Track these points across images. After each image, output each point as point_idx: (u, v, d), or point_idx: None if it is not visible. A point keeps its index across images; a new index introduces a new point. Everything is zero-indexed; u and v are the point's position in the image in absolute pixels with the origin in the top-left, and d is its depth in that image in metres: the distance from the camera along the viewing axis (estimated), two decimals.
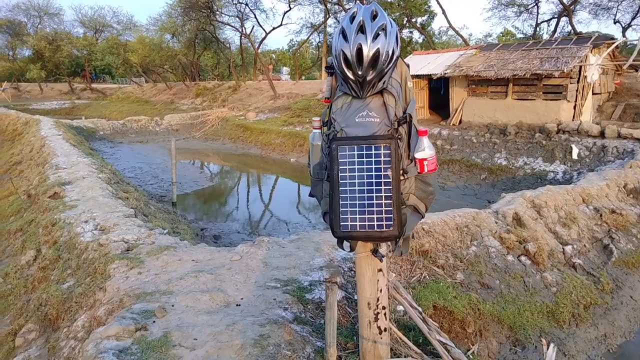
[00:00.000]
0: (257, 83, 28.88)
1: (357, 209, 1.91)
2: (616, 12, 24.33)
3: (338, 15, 29.23)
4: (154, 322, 2.72)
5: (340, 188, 1.91)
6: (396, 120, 1.90)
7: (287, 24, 50.85)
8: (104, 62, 39.83)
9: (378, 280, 2.36)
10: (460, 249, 4.99)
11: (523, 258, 5.31)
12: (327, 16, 28.45)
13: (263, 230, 9.52)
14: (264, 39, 28.77)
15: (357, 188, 1.91)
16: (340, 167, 1.91)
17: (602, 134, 11.50)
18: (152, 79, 38.47)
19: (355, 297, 3.24)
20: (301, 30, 32.23)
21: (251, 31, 28.45)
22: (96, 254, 4.01)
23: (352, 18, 1.90)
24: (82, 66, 42.12)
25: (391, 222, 1.88)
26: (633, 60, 11.71)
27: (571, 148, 11.50)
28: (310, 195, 2.25)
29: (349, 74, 1.88)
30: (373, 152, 1.88)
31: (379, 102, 1.93)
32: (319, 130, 2.12)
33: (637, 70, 14.33)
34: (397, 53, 1.89)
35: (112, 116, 26.88)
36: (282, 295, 3.06)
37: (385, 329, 2.44)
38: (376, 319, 2.41)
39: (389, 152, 1.86)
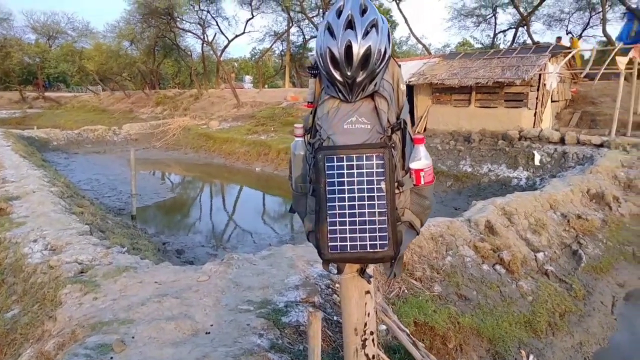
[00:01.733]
0: (219, 91, 28.35)
1: (348, 227, 1.68)
2: (568, 23, 25.49)
3: (301, 23, 29.22)
4: (111, 358, 2.39)
5: (328, 204, 1.68)
6: (389, 126, 1.70)
7: (249, 31, 50.45)
8: (58, 69, 38.17)
9: (366, 304, 2.13)
10: (436, 259, 4.86)
11: (498, 267, 5.23)
12: (291, 25, 28.31)
13: (228, 243, 9.18)
14: (226, 46, 28.33)
15: (347, 203, 1.68)
16: (328, 180, 1.68)
17: (562, 141, 11.79)
18: (109, 87, 37.18)
19: (335, 318, 3.02)
20: (264, 39, 31.99)
21: (213, 39, 27.96)
22: (46, 278, 3.60)
23: (339, 12, 1.68)
24: (35, 74, 40.22)
25: (386, 242, 1.66)
26: (589, 70, 12.09)
27: (533, 154, 11.73)
28: (292, 211, 2.01)
29: (337, 75, 1.66)
30: (364, 162, 1.66)
31: (369, 107, 1.72)
32: (301, 139, 1.88)
33: (592, 79, 14.85)
34: (389, 52, 1.70)
35: (67, 126, 25.69)
36: (256, 319, 2.79)
37: (373, 357, 2.22)
38: (364, 346, 2.18)
39: (382, 162, 1.65)
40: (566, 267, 5.99)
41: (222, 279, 3.36)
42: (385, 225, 1.65)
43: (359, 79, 1.65)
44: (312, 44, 31.95)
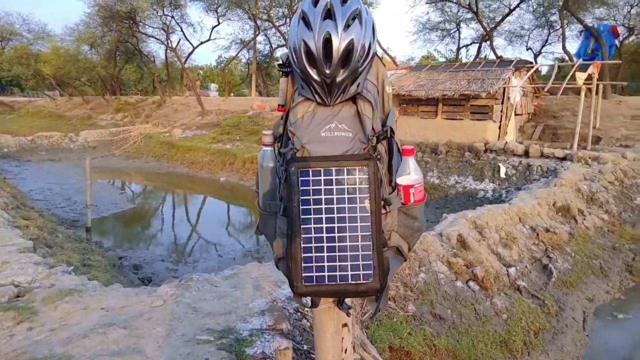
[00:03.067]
0: (183, 99, 27.67)
1: (325, 254, 1.40)
2: (528, 40, 26.32)
3: (268, 32, 28.98)
4: None
5: (302, 226, 1.40)
6: (374, 135, 1.44)
7: (215, 38, 49.75)
8: (11, 73, 36.42)
9: (343, 338, 1.86)
10: (409, 276, 4.64)
11: (472, 283, 5.06)
12: (257, 32, 28.01)
13: (190, 257, 8.76)
14: (191, 53, 27.71)
15: (324, 226, 1.40)
16: (302, 198, 1.40)
17: (526, 153, 11.96)
18: (67, 92, 35.75)
19: (306, 347, 2.73)
20: (230, 46, 31.52)
21: (177, 45, 27.28)
22: None
23: (316, 0, 1.43)
24: None
25: (370, 271, 1.39)
26: (551, 84, 12.35)
27: (499, 167, 11.83)
28: (258, 232, 1.71)
29: (313, 74, 1.39)
30: (345, 177, 1.40)
31: (351, 112, 1.46)
32: (270, 148, 1.59)
33: (552, 94, 15.24)
34: (373, 48, 1.45)
35: (21, 132, 24.43)
36: (216, 352, 2.45)
37: None
38: None
39: (366, 176, 1.39)
40: (537, 282, 5.90)
41: (179, 304, 3.00)
42: (370, 252, 1.39)
43: (339, 79, 1.38)
44: (279, 53, 31.70)
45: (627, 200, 9.23)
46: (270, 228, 1.60)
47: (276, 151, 1.59)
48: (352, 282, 1.39)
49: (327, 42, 1.35)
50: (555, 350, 4.78)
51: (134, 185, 16.05)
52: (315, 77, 1.39)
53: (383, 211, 1.44)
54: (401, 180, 1.47)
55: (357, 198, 1.39)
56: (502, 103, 13.25)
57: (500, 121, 13.31)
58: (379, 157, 1.42)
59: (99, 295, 3.17)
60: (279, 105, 1.60)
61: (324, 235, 1.40)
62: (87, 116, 29.07)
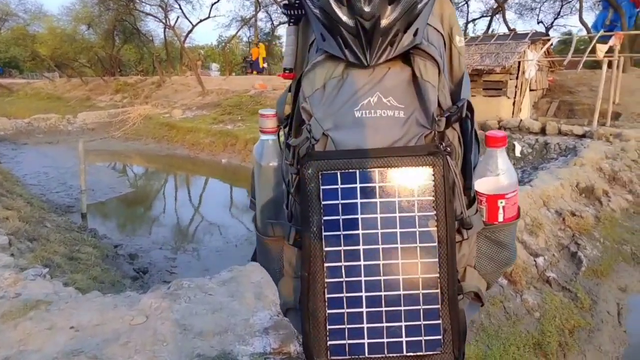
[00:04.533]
0: (183, 78, 26.96)
1: (365, 309, 0.86)
2: (539, 12, 25.40)
3: (269, 8, 28.07)
4: None
5: (327, 264, 0.86)
6: (440, 114, 0.88)
7: (215, 16, 48.50)
8: (8, 54, 35.79)
9: None
10: None
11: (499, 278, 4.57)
12: (258, 9, 27.11)
13: (190, 244, 8.33)
14: (190, 31, 26.84)
15: (362, 263, 0.86)
16: (326, 219, 0.85)
17: (542, 131, 11.35)
18: (66, 73, 35.08)
19: None
20: (230, 24, 30.74)
21: (176, 23, 26.40)
22: None
23: None
24: None
25: (438, 337, 0.86)
26: (571, 57, 11.65)
27: (514, 145, 11.25)
28: (254, 260, 1.17)
29: (341, 14, 0.81)
30: (396, 183, 0.85)
31: (403, 77, 0.88)
32: (272, 137, 1.02)
33: (567, 68, 14.54)
34: None
35: (19, 114, 23.86)
36: None
37: None
38: None
39: (430, 182, 0.84)
40: (567, 273, 5.41)
41: (164, 320, 2.49)
42: (437, 306, 0.85)
43: (384, 22, 0.81)
44: (281, 30, 30.89)
45: None
46: (273, 261, 1.04)
47: (282, 142, 1.02)
48: (410, 353, 0.86)
49: None
50: (593, 351, 4.32)
51: (133, 167, 15.67)
52: (346, 19, 0.82)
53: (458, 238, 0.89)
54: (484, 186, 0.92)
55: (416, 218, 0.84)
56: (517, 78, 12.58)
57: (515, 97, 12.66)
58: (449, 150, 0.86)
59: (70, 309, 2.66)
60: (284, 69, 1.02)
61: (362, 278, 0.86)
62: (86, 97, 28.47)
